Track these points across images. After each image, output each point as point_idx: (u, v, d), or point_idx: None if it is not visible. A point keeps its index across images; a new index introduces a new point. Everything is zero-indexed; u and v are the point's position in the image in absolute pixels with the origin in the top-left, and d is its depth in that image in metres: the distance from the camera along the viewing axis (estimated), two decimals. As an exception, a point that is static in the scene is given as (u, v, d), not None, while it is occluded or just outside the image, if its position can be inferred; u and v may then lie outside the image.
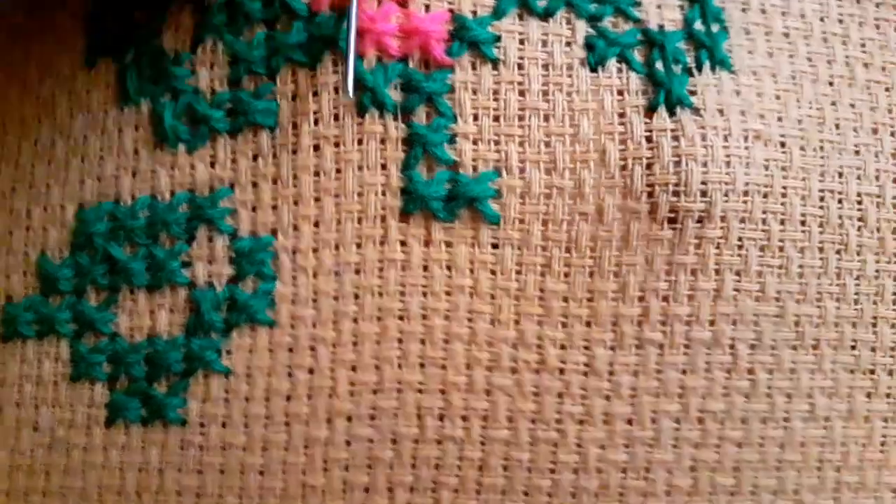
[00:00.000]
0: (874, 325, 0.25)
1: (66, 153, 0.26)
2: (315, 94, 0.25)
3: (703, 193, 0.24)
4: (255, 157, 0.25)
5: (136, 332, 0.25)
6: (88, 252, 0.26)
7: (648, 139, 0.24)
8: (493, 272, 0.24)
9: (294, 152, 0.25)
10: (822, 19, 0.27)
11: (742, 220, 0.24)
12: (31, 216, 0.26)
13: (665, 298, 0.24)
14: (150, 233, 0.25)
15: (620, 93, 0.25)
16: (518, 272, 0.24)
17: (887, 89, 0.26)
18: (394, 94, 0.25)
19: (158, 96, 0.26)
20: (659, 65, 0.25)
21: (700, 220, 0.24)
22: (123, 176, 0.26)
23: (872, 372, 0.25)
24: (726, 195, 0.24)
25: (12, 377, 0.26)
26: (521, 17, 0.25)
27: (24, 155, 0.27)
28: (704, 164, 0.24)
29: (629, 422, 0.24)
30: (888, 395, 0.25)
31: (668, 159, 0.24)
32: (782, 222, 0.24)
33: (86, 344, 0.25)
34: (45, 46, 0.27)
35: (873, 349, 0.25)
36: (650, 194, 0.24)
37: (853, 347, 0.25)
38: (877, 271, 0.25)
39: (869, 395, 0.25)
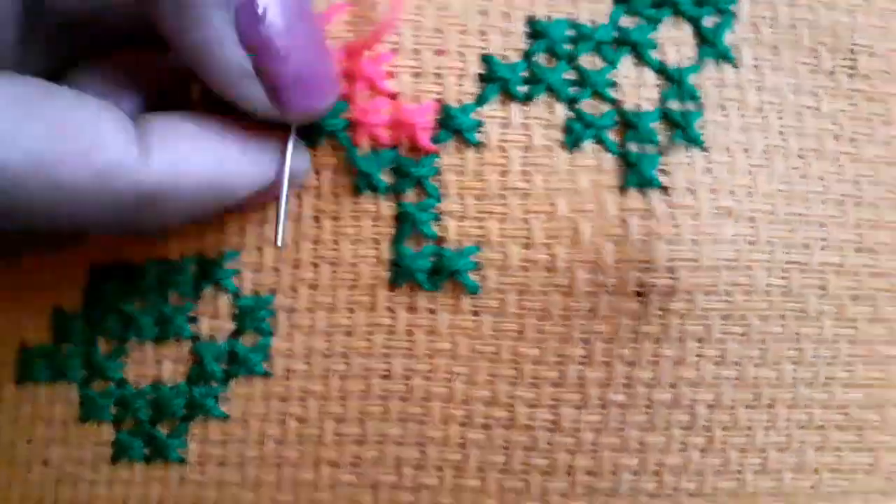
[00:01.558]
0: (827, 385, 0.27)
1: None
2: (316, 172, 0.27)
3: (670, 270, 0.25)
4: (260, 224, 0.27)
5: (142, 380, 0.28)
6: (100, 307, 0.28)
7: (620, 218, 0.26)
8: (471, 337, 0.26)
9: (296, 221, 0.27)
10: (794, 92, 0.27)
11: (707, 293, 0.26)
12: (42, 272, 0.28)
13: (629, 364, 0.26)
14: (160, 291, 0.28)
15: (595, 172, 0.26)
16: (494, 338, 0.26)
17: (854, 161, 0.27)
18: (386, 178, 0.27)
19: None
20: (633, 145, 0.26)
21: (665, 294, 0.26)
22: (134, 240, 0.28)
23: (823, 428, 0.27)
24: (693, 271, 0.25)
25: (25, 417, 0.28)
26: (503, 103, 0.27)
27: None
28: (672, 244, 0.25)
29: (590, 473, 0.27)
30: (837, 449, 0.27)
31: (636, 237, 0.25)
32: (746, 293, 0.26)
33: (94, 389, 0.28)
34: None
35: (825, 407, 0.27)
36: (618, 269, 0.26)
37: (806, 406, 0.27)
38: (834, 335, 0.27)
39: (818, 449, 0.27)
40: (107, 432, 0.28)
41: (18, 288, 0.29)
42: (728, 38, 0.28)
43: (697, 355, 0.26)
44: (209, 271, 0.27)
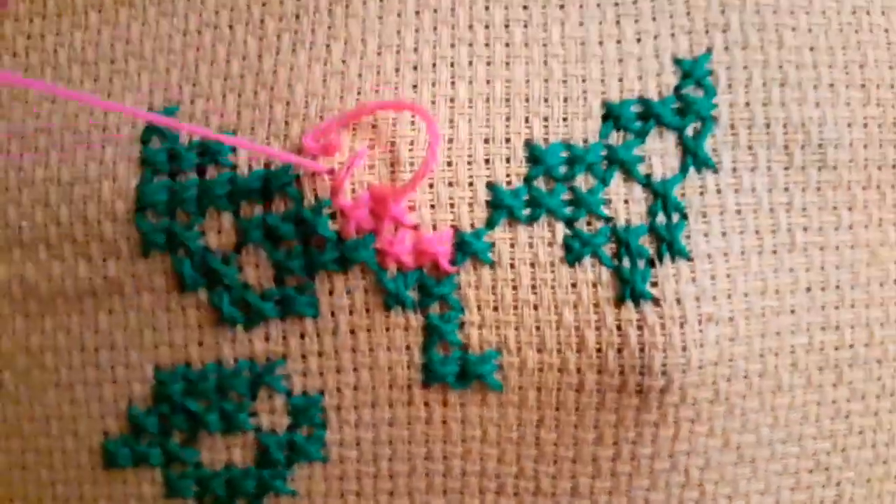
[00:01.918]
0: (800, 440, 0.32)
1: (139, 323, 0.32)
2: (349, 293, 0.30)
3: (664, 373, 0.30)
4: (302, 336, 0.31)
5: (217, 463, 0.32)
6: (169, 404, 0.32)
7: (619, 327, 0.30)
8: (498, 426, 0.31)
9: (334, 334, 0.31)
10: (769, 190, 0.31)
11: (696, 386, 0.30)
12: (115, 372, 0.32)
13: (633, 442, 0.31)
14: (220, 391, 0.32)
15: (594, 285, 0.30)
16: (518, 426, 0.31)
17: (821, 248, 0.31)
18: (412, 294, 0.30)
19: (213, 286, 0.31)
20: (626, 260, 0.30)
21: (661, 391, 0.30)
22: (192, 345, 0.32)
23: (796, 472, 0.32)
24: (683, 372, 0.30)
25: (118, 495, 0.33)
26: (510, 225, 0.30)
27: (102, 322, 0.32)
28: (664, 351, 0.30)
29: None
30: (808, 487, 0.33)
31: (634, 346, 0.30)
32: (728, 380, 0.30)
33: (174, 471, 0.32)
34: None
35: (797, 458, 0.32)
36: (621, 373, 0.30)
37: (782, 458, 0.32)
38: (804, 402, 0.31)
39: (792, 489, 0.32)
40: None
41: (95, 384, 0.33)
42: (708, 142, 0.31)
43: (690, 432, 0.31)
44: (262, 376, 0.32)
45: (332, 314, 0.31)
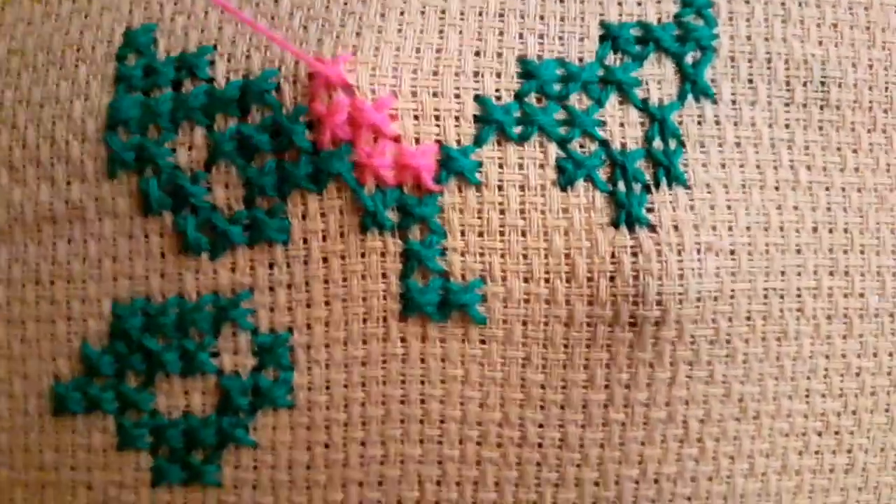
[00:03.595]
0: (807, 396, 0.29)
1: (99, 252, 0.30)
2: (322, 215, 0.28)
3: (660, 303, 0.28)
4: (270, 266, 0.29)
5: (174, 410, 0.30)
6: (126, 342, 0.30)
7: (612, 254, 0.28)
8: (481, 364, 0.29)
9: (305, 263, 0.29)
10: (770, 125, 0.29)
11: (694, 322, 0.28)
12: (70, 307, 0.30)
13: (627, 386, 0.28)
14: (180, 328, 0.29)
15: (587, 210, 0.28)
16: (503, 364, 0.29)
17: (827, 188, 0.29)
18: (391, 216, 0.28)
19: (179, 209, 0.29)
20: (621, 184, 0.28)
21: (657, 324, 0.28)
22: (153, 276, 0.30)
23: (804, 434, 0.30)
24: (680, 303, 0.28)
25: (65, 445, 0.30)
26: (499, 143, 0.28)
27: (60, 252, 0.30)
28: (660, 279, 0.28)
29: (596, 484, 0.29)
30: (816, 452, 0.30)
31: (628, 273, 0.28)
32: (730, 320, 0.28)
33: (129, 419, 0.30)
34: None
35: (805, 416, 0.30)
36: (613, 303, 0.28)
37: (788, 416, 0.29)
38: (811, 353, 0.29)
39: (800, 454, 0.30)
40: (145, 459, 0.30)
41: (48, 321, 0.30)
42: (707, 73, 0.30)
43: (688, 376, 0.28)
44: (226, 311, 0.29)
45: (305, 241, 0.29)
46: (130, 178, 0.30)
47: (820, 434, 0.30)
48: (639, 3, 0.30)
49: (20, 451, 0.31)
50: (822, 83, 0.30)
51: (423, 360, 0.29)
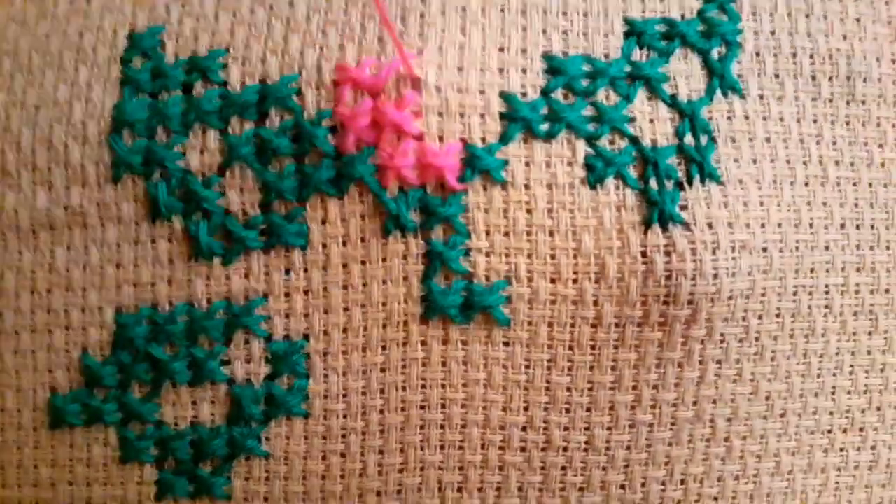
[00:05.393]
0: (833, 393, 0.29)
1: (101, 259, 0.29)
2: (343, 219, 0.27)
3: (691, 303, 0.27)
4: (287, 272, 0.28)
5: (181, 421, 0.28)
6: (130, 351, 0.28)
7: (643, 254, 0.27)
8: (504, 367, 0.28)
9: (324, 268, 0.28)
10: (798, 121, 0.29)
11: (725, 320, 0.27)
12: (69, 317, 0.29)
13: (655, 387, 0.28)
14: (189, 336, 0.28)
15: (618, 209, 0.27)
16: (527, 367, 0.28)
17: (854, 184, 0.29)
18: (414, 217, 0.27)
19: (190, 214, 0.28)
20: (653, 181, 0.27)
21: (687, 323, 0.27)
22: (160, 283, 0.28)
23: (829, 432, 0.29)
24: (711, 302, 0.27)
25: (63, 460, 0.29)
26: (525, 141, 0.27)
27: (59, 260, 0.29)
28: (693, 278, 0.27)
29: (622, 487, 0.29)
30: (841, 450, 0.30)
31: (660, 274, 0.27)
32: (759, 317, 0.28)
33: (132, 431, 0.28)
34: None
35: (831, 413, 0.29)
36: (643, 303, 0.27)
37: (814, 413, 0.29)
38: (837, 349, 0.29)
39: (826, 451, 0.29)
40: (149, 472, 0.29)
41: (45, 331, 0.29)
42: (734, 68, 0.29)
43: (716, 375, 0.28)
44: (238, 318, 0.28)
45: (324, 246, 0.28)
46: (136, 182, 0.28)
47: (845, 431, 0.30)
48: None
49: (13, 468, 0.29)
50: (848, 78, 0.30)
51: (444, 364, 0.28)
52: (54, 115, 0.29)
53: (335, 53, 0.28)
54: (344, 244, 0.27)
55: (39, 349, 0.29)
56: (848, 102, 0.29)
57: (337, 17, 0.29)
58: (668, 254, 0.27)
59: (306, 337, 0.28)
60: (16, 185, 0.29)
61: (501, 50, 0.28)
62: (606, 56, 0.28)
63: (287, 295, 0.28)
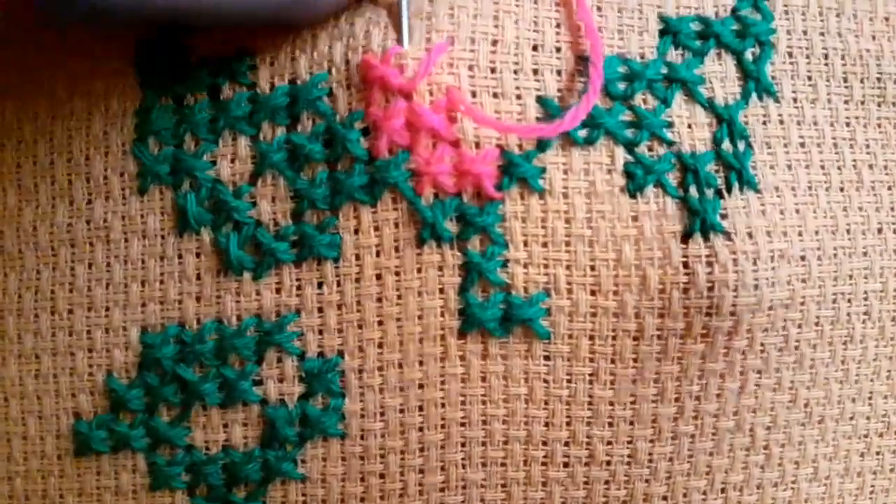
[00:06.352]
0: (870, 398, 0.29)
1: (125, 276, 0.28)
2: (376, 228, 0.26)
3: (733, 314, 0.27)
4: (319, 285, 0.27)
5: (212, 445, 0.28)
6: (157, 373, 0.27)
7: (685, 264, 0.27)
8: (545, 381, 0.27)
9: (357, 281, 0.27)
10: (831, 125, 0.29)
11: (765, 330, 0.27)
12: (92, 338, 0.28)
13: (697, 398, 0.28)
14: (219, 355, 0.27)
15: (658, 218, 0.27)
16: (568, 381, 0.27)
17: (889, 188, 0.29)
18: (450, 226, 0.27)
19: (220, 226, 0.27)
20: (693, 189, 0.27)
21: (728, 334, 0.27)
22: (188, 300, 0.27)
23: (866, 436, 0.29)
24: (752, 313, 0.27)
25: (90, 488, 0.28)
26: (563, 148, 0.27)
27: (80, 278, 0.28)
28: (735, 289, 0.27)
29: (664, 498, 0.28)
30: (878, 453, 0.30)
31: (703, 285, 0.27)
32: (799, 326, 0.28)
33: (162, 456, 0.28)
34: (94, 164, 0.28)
35: (868, 418, 0.29)
36: (686, 315, 0.27)
37: (851, 419, 0.29)
38: (875, 355, 0.29)
39: (862, 455, 0.30)
40: (180, 499, 0.28)
41: (67, 354, 0.28)
42: (768, 69, 0.28)
43: (756, 385, 0.28)
44: (270, 335, 0.27)
45: (357, 257, 0.27)
46: (163, 194, 0.27)
47: (881, 435, 0.30)
48: (695, -4, 0.29)
49: (38, 499, 0.28)
50: (878, 79, 0.29)
51: (483, 379, 0.27)
52: (71, 125, 0.28)
53: (360, 42, 0.27)
54: (377, 254, 0.27)
55: (62, 373, 0.28)
56: (879, 104, 0.29)
57: (365, 9, 0.27)
58: (709, 264, 0.27)
59: (340, 353, 0.27)
60: (33, 200, 0.28)
61: (535, 49, 0.27)
62: (642, 56, 0.28)
63: (320, 310, 0.27)
